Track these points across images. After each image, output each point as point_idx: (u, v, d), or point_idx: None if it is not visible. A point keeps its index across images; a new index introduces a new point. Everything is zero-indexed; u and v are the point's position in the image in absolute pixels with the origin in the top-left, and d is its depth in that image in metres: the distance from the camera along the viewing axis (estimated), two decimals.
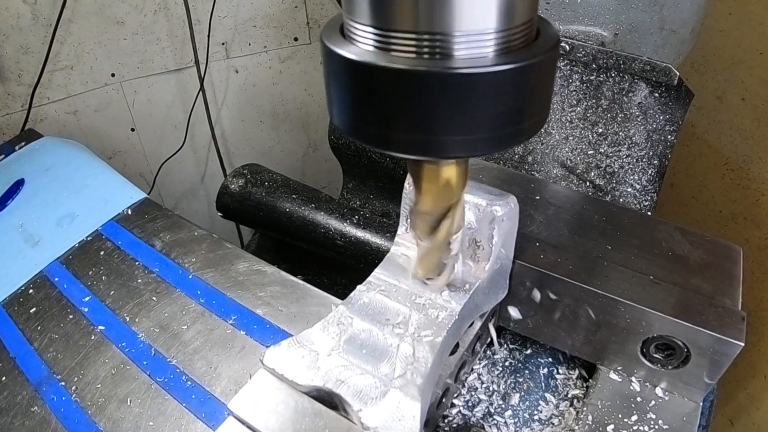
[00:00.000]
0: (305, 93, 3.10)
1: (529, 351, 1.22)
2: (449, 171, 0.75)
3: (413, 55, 0.60)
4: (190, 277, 1.27)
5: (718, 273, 1.07)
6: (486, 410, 1.11)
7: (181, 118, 2.81)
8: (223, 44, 2.75)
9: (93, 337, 1.17)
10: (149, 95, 2.70)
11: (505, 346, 1.23)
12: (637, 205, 1.51)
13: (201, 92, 2.67)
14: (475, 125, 0.61)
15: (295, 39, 2.90)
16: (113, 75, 2.54)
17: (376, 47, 0.62)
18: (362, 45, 0.63)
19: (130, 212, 1.46)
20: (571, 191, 1.32)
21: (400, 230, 1.04)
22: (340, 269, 1.81)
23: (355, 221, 1.58)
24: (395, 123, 0.63)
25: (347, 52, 0.62)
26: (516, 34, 0.61)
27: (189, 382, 1.07)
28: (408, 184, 1.01)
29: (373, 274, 1.01)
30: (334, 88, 0.67)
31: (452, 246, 0.88)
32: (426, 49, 0.59)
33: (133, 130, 2.73)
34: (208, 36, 2.63)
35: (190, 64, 2.67)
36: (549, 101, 0.70)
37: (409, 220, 1.03)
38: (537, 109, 0.66)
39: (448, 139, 0.62)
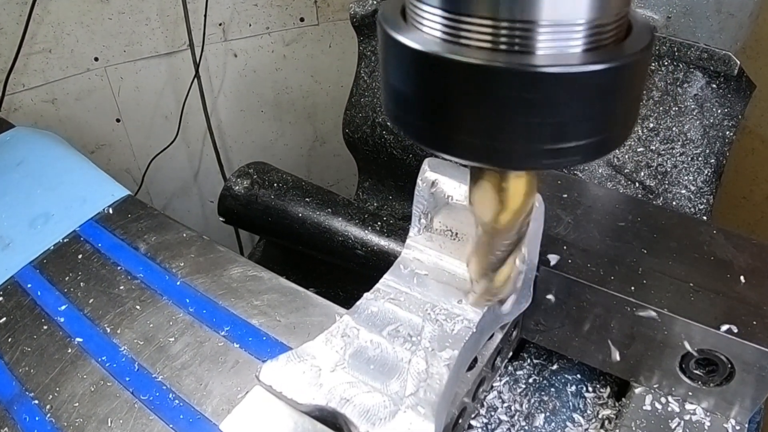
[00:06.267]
0: (312, 80, 3.11)
1: (555, 366, 1.22)
2: (516, 182, 0.73)
3: (487, 48, 0.57)
4: (178, 283, 1.28)
5: (766, 280, 1.06)
6: None
7: (172, 108, 2.82)
8: (220, 25, 2.76)
9: (70, 351, 1.18)
10: (137, 82, 2.71)
11: (529, 361, 1.23)
12: (692, 209, 1.50)
13: (195, 79, 2.68)
14: (553, 133, 0.58)
15: (302, 19, 2.91)
16: (96, 59, 2.55)
17: (443, 36, 0.59)
18: (427, 32, 0.60)
19: (111, 211, 1.47)
20: (602, 189, 1.32)
21: (413, 232, 1.04)
22: (359, 281, 1.79)
23: (377, 228, 1.56)
24: (461, 125, 0.60)
25: (409, 39, 0.59)
26: (609, 29, 0.58)
27: (176, 401, 1.07)
28: (421, 181, 1.01)
29: (381, 280, 1.01)
30: (390, 79, 0.65)
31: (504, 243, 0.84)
32: (503, 41, 0.56)
33: (118, 121, 2.75)
34: (204, 15, 2.63)
35: (184, 47, 2.68)
36: (638, 109, 0.67)
37: (422, 221, 1.03)
38: (625, 117, 0.63)
39: (522, 147, 0.59)
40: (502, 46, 0.56)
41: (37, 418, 1.07)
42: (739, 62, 1.42)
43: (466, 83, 0.57)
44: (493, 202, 0.75)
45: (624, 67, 0.58)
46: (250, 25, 2.82)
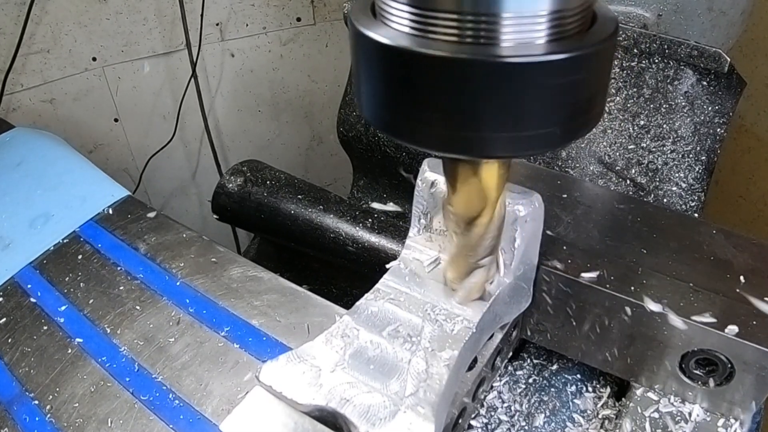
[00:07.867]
0: (309, 79, 3.11)
1: (555, 366, 1.22)
2: (488, 171, 0.75)
3: (454, 40, 0.58)
4: (178, 283, 1.27)
5: (766, 280, 1.06)
6: None
7: (170, 108, 2.81)
8: (217, 25, 2.76)
9: (70, 351, 1.17)
10: (135, 82, 2.70)
11: (529, 361, 1.23)
12: (683, 206, 1.50)
13: (193, 78, 2.67)
14: (520, 122, 0.60)
15: (298, 19, 2.91)
16: (94, 59, 2.55)
17: (411, 30, 0.60)
18: (396, 27, 0.62)
19: (111, 212, 1.47)
20: (602, 189, 1.31)
21: (412, 232, 1.04)
22: (351, 278, 1.80)
23: (368, 225, 1.56)
24: (431, 116, 0.62)
25: (378, 34, 0.61)
26: (571, 19, 0.60)
27: (177, 401, 1.07)
28: (420, 181, 1.01)
29: (381, 281, 1.01)
30: (363, 75, 0.67)
31: (481, 250, 0.87)
32: (469, 34, 0.58)
33: (116, 120, 2.74)
34: (201, 15, 2.62)
35: (181, 47, 2.67)
36: (605, 97, 0.69)
37: (421, 221, 1.03)
38: (591, 105, 0.65)
39: (490, 136, 0.61)
40: (468, 39, 0.58)
41: (37, 419, 1.07)
42: (729, 59, 1.42)
43: (434, 75, 0.59)
44: (468, 193, 0.78)
45: (588, 55, 0.60)
46: (246, 24, 2.82)
